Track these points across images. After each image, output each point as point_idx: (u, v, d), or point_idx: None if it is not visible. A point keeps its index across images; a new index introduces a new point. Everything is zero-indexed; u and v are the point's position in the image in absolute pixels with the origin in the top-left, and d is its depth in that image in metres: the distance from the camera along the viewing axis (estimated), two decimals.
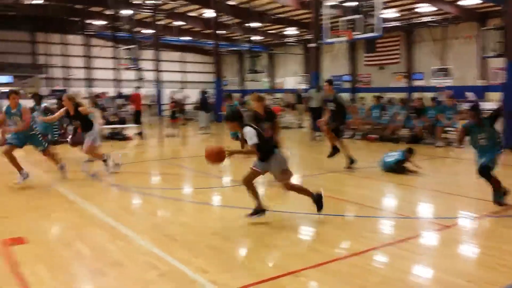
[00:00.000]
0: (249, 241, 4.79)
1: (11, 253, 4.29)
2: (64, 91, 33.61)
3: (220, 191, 7.37)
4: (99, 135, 8.78)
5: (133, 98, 16.99)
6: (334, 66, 30.09)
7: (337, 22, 15.10)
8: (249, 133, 4.96)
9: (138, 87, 18.84)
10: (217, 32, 24.90)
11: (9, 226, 5.19)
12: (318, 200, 5.32)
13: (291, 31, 32.90)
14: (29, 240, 4.64)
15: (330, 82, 9.28)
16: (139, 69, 26.69)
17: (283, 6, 26.19)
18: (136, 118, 16.23)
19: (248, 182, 5.18)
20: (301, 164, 9.98)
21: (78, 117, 8.16)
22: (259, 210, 5.22)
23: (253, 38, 33.05)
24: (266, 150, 5.10)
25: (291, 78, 37.62)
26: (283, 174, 5.17)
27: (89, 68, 36.85)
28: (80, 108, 8.12)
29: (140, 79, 26.55)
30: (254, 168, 5.14)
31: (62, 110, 8.28)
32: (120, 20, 28.03)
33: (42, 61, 37.99)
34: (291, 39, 35.18)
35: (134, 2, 26.95)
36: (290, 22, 29.74)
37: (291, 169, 5.31)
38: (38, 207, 6.09)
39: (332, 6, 15.43)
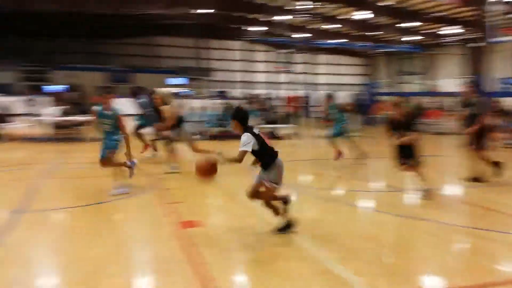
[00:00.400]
0: (405, 249, 4.68)
1: (187, 234, 4.91)
2: (224, 92, 36.57)
3: (374, 196, 7.29)
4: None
5: (288, 100, 17.73)
6: (504, 67, 26.93)
7: (507, 19, 13.57)
8: (244, 138, 4.59)
9: (293, 90, 19.58)
10: (371, 33, 24.37)
11: (187, 210, 5.91)
12: (285, 227, 4.93)
13: (450, 30, 30.43)
14: (202, 224, 5.27)
15: (473, 84, 8.52)
16: (293, 72, 27.59)
17: (441, 4, 24.41)
18: (290, 119, 16.93)
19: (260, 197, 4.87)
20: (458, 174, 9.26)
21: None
22: (288, 224, 4.94)
23: (408, 38, 31.48)
24: (268, 158, 4.76)
25: (450, 81, 34.79)
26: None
27: (247, 71, 39.33)
28: (161, 107, 8.54)
29: (294, 82, 27.43)
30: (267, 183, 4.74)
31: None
32: (277, 25, 29.36)
33: (208, 65, 41.87)
34: (450, 39, 32.54)
35: (288, 8, 27.98)
36: (449, 21, 27.55)
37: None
38: (207, 194, 6.84)
39: (500, 2, 13.91)
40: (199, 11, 33.79)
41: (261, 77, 39.99)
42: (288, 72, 26.48)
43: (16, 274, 3.84)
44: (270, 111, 20.17)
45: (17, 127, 13.96)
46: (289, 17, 26.45)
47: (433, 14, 26.49)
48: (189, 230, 5.02)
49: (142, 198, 6.58)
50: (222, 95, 32.75)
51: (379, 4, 23.74)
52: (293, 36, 32.09)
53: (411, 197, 7.06)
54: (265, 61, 37.80)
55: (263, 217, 5.62)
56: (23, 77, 34.19)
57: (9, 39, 39.36)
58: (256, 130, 4.74)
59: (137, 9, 28.90)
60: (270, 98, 25.67)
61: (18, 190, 7.03)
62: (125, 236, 4.88)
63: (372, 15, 22.32)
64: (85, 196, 6.60)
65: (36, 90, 16.86)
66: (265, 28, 36.26)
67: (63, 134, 13.70)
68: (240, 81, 39.84)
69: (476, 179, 7.85)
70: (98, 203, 6.16)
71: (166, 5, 29.79)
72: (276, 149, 4.85)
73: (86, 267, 3.96)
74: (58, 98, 13.91)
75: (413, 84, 35.83)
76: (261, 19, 34.26)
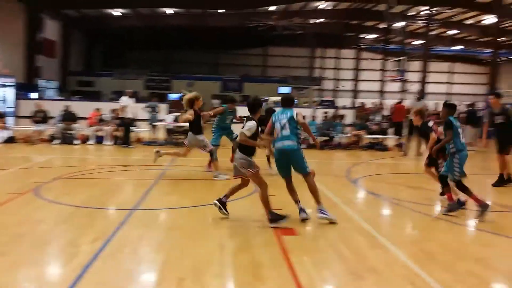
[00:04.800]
0: None
1: (283, 241, 4.97)
2: (332, 101, 36.25)
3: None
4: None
5: (395, 110, 16.97)
6: None
7: None
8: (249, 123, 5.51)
9: (401, 99, 18.69)
10: (497, 39, 22.32)
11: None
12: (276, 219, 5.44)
13: None
14: (298, 233, 5.29)
15: (497, 95, 9.06)
16: (405, 81, 26.36)
17: None
18: (397, 130, 16.19)
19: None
20: None
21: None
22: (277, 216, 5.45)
23: None
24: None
25: None
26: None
27: (357, 80, 38.54)
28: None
29: (404, 91, 26.19)
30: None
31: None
32: (392, 32, 28.38)
33: (317, 74, 41.89)
34: None
35: (408, 14, 26.83)
36: None
37: None
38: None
39: None
40: (312, 21, 34.08)
41: (372, 86, 38.92)
42: (399, 80, 25.36)
43: (123, 266, 4.24)
44: (375, 120, 19.52)
45: (140, 131, 15.35)
46: (405, 23, 25.37)
47: None
48: (285, 237, 5.08)
49: (240, 202, 6.81)
50: (329, 104, 32.48)
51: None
52: (410, 42, 30.72)
53: None
54: (377, 70, 36.68)
55: (361, 226, 5.47)
56: (148, 85, 37.50)
57: (138, 51, 43.65)
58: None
59: (256, 22, 30.05)
60: (380, 108, 24.80)
61: (136, 189, 7.75)
62: (225, 239, 5.08)
63: (496, 20, 20.38)
64: (191, 198, 7.02)
65: (158, 98, 18.35)
66: (378, 36, 35.23)
67: (176, 138, 14.77)
68: (350, 90, 39.13)
69: None
70: (203, 205, 6.51)
71: (282, 16, 30.48)
72: None
73: (188, 264, 4.22)
74: (174, 105, 15.00)
75: None
76: (379, 26, 33.37)
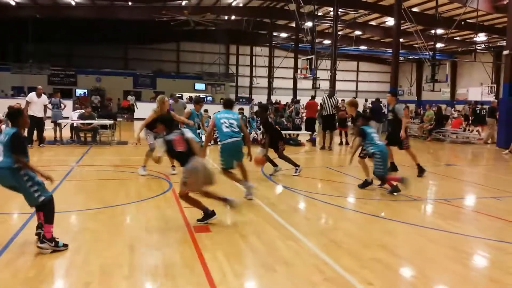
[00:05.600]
0: (418, 260, 4.54)
1: (197, 239, 4.91)
2: (248, 98, 36.66)
3: (389, 204, 7.14)
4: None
5: (308, 106, 17.62)
6: None
7: None
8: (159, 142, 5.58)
9: (313, 96, 19.43)
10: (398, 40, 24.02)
11: (197, 215, 5.85)
12: (208, 216, 5.45)
13: (479, 37, 29.80)
14: (212, 229, 5.26)
15: (393, 93, 10.71)
16: (316, 79, 27.39)
17: (470, 11, 23.93)
18: (309, 126, 16.86)
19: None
20: (484, 186, 9.02)
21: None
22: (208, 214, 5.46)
23: (438, 45, 30.99)
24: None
25: (477, 89, 34.06)
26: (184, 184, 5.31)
27: (272, 77, 39.31)
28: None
29: (316, 88, 27.21)
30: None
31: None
32: (302, 31, 29.33)
33: (233, 70, 42.11)
34: (480, 47, 31.85)
35: (318, 14, 27.90)
36: (480, 28, 26.95)
37: None
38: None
39: None
40: (226, 17, 34.13)
41: (285, 84, 39.96)
42: (310, 78, 26.32)
43: (23, 274, 3.90)
44: (285, 116, 20.15)
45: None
46: (314, 23, 26.40)
47: (463, 21, 26.02)
48: (199, 235, 5.03)
49: (152, 201, 6.62)
50: (245, 101, 32.86)
51: (411, 10, 23.44)
52: (320, 42, 32.00)
53: (428, 206, 6.90)
54: (290, 68, 37.72)
55: (274, 218, 5.58)
56: (51, 80, 35.07)
57: (38, 44, 40.40)
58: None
59: (167, 16, 29.40)
60: (290, 104, 25.56)
61: None
62: (136, 239, 4.90)
63: (397, 22, 21.92)
64: (99, 199, 6.70)
65: (62, 93, 17.19)
66: (290, 34, 36.29)
67: (82, 137, 14.06)
68: (265, 87, 39.82)
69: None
70: (112, 206, 6.23)
71: (194, 12, 30.15)
72: None
73: (94, 268, 4.00)
74: (80, 102, 14.18)
75: (437, 92, 35.21)
76: (291, 25, 34.30)
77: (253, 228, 5.41)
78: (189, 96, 33.60)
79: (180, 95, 24.75)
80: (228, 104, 7.26)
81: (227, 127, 6.76)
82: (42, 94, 13.28)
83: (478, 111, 19.98)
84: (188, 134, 5.55)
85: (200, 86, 39.25)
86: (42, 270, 4.00)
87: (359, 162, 8.30)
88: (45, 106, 13.33)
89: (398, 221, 5.96)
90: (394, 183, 7.50)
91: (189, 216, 5.75)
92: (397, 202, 7.17)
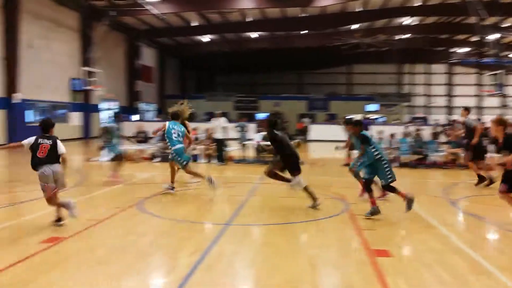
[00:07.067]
0: None
1: (377, 263, 4.85)
2: (424, 118, 34.69)
3: None
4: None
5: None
6: None
7: None
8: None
9: (501, 115, 17.34)
10: None
11: (376, 238, 5.85)
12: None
13: None
14: (392, 254, 5.13)
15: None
16: (504, 95, 24.46)
17: None
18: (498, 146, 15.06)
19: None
20: None
21: None
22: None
23: None
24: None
25: None
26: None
27: (450, 95, 36.52)
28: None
29: (504, 106, 24.28)
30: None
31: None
32: (486, 45, 26.69)
33: (406, 90, 40.47)
34: None
35: (502, 26, 25.11)
36: None
37: None
38: (397, 223, 6.62)
39: None
40: (398, 37, 33.19)
41: (467, 102, 36.65)
42: (497, 95, 23.58)
43: (219, 280, 4.42)
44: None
45: (231, 150, 15.92)
46: (499, 35, 23.74)
47: None
48: (379, 259, 4.95)
49: (330, 221, 6.76)
50: (421, 121, 31.06)
51: None
52: (506, 55, 28.61)
53: None
54: (472, 85, 34.51)
55: (460, 248, 5.18)
56: (236, 106, 38.90)
57: (226, 75, 45.48)
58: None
59: (339, 41, 30.08)
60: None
61: (230, 205, 8.08)
62: (316, 257, 5.08)
63: None
64: (281, 215, 7.13)
65: (247, 117, 18.92)
66: (471, 49, 33.28)
67: (264, 157, 15.07)
68: (442, 106, 37.14)
69: None
70: (293, 223, 6.58)
71: (365, 34, 30.13)
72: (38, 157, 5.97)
73: (279, 282, 4.29)
74: (261, 125, 15.37)
75: None
76: (471, 40, 31.59)
77: (437, 257, 5.08)
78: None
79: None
80: (175, 116, 8.97)
81: (177, 135, 8.69)
82: (220, 118, 14.69)
83: None
84: None
85: (370, 107, 38.62)
86: (234, 278, 4.48)
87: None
88: (224, 128, 14.65)
89: None
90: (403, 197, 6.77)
91: (369, 238, 5.71)
92: None
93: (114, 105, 30.43)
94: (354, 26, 31.70)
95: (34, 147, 6.00)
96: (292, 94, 40.82)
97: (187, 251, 5.13)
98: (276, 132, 7.53)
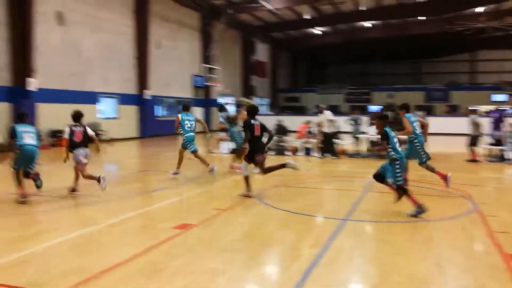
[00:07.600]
0: None
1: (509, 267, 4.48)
2: None
3: None
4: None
5: None
6: None
7: None
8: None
9: None
10: None
11: (507, 241, 5.36)
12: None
13: None
14: None
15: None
16: None
17: None
18: None
19: None
20: None
21: None
22: None
23: None
24: None
25: None
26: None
27: None
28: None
29: None
30: None
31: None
32: None
33: None
34: None
35: None
36: None
37: None
38: None
39: None
40: None
41: None
42: None
43: (340, 275, 4.46)
44: None
45: (344, 143, 15.72)
46: None
47: None
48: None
49: (457, 221, 6.38)
50: None
51: None
52: None
53: None
54: None
55: None
56: (347, 99, 38.22)
57: (336, 66, 44.81)
58: None
59: (461, 26, 27.87)
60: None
61: (346, 199, 8.05)
62: (442, 258, 4.86)
63: None
64: (402, 212, 6.87)
65: (359, 110, 18.36)
66: None
67: (378, 150, 14.53)
68: None
69: None
70: (415, 221, 6.34)
71: (491, 17, 27.49)
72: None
73: (404, 281, 4.20)
74: (373, 118, 14.86)
75: None
76: None
77: None
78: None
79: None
80: (186, 108, 10.34)
81: (190, 125, 10.03)
82: (324, 111, 14.53)
83: None
84: None
85: (498, 97, 35.16)
86: (355, 274, 4.48)
87: None
88: (331, 122, 14.42)
89: None
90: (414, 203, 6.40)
91: (503, 241, 5.29)
92: None
93: (231, 100, 31.67)
94: (478, 9, 29.02)
95: (70, 135, 7.68)
96: (407, 85, 38.83)
97: (307, 244, 5.25)
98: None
